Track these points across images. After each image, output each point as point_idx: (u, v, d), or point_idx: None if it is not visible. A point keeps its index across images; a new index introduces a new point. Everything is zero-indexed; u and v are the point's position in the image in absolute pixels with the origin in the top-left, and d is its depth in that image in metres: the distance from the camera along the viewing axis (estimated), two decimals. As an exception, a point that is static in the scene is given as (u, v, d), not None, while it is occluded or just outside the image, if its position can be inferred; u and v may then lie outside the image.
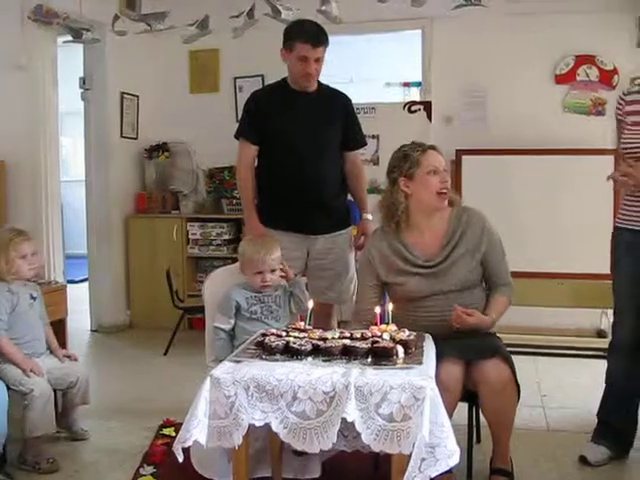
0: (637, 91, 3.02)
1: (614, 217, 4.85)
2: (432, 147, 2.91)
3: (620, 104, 3.04)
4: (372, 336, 2.33)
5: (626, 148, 2.94)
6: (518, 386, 2.66)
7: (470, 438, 2.78)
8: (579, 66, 5.25)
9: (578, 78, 5.26)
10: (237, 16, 3.97)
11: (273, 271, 2.91)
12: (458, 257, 2.84)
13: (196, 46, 5.05)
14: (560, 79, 5.27)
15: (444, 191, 2.85)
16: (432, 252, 2.87)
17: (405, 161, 2.88)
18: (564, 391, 3.96)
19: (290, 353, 2.31)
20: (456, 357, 2.57)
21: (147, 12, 4.06)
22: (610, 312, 4.78)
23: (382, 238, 2.94)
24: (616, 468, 3.00)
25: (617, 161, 3.11)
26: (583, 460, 3.02)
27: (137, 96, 5.80)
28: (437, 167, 2.85)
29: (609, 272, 4.89)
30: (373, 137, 5.20)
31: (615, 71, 5.15)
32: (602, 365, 3.17)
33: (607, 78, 5.20)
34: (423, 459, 2.04)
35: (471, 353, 2.62)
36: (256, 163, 3.49)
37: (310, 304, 2.56)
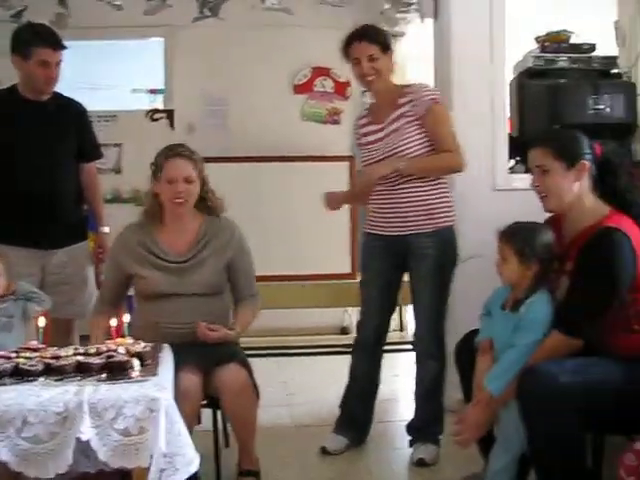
0: (365, 115, 3.29)
1: (351, 220, 5.24)
2: (178, 154, 2.88)
3: (356, 130, 3.30)
4: (107, 351, 2.29)
5: (365, 167, 3.20)
6: (257, 388, 2.76)
7: (216, 443, 2.84)
8: (316, 77, 5.56)
9: (315, 89, 5.57)
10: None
11: None
12: (204, 259, 2.89)
13: None
14: (298, 89, 5.54)
15: (178, 201, 2.87)
16: (180, 251, 2.90)
17: (156, 162, 2.91)
18: (310, 388, 4.16)
19: (20, 375, 2.20)
20: (193, 366, 2.61)
21: None
22: (351, 310, 5.13)
23: (133, 232, 2.96)
24: (353, 455, 3.22)
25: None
26: (324, 450, 3.20)
27: None
28: (173, 178, 2.85)
29: (349, 272, 5.23)
30: (115, 145, 5.12)
31: (348, 83, 5.51)
32: (346, 360, 3.37)
33: (341, 89, 5.55)
34: (163, 470, 2.05)
35: (208, 361, 2.67)
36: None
37: (41, 321, 2.45)
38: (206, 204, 2.97)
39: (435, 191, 3.09)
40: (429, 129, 3.05)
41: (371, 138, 3.17)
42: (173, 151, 2.89)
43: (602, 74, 3.97)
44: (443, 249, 3.09)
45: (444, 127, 3.07)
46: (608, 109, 3.84)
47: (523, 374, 2.32)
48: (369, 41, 3.05)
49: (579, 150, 2.50)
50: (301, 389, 4.14)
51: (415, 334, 3.21)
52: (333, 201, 3.31)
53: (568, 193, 2.48)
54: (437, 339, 3.16)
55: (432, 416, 3.19)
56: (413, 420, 3.25)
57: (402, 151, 3.05)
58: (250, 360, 2.88)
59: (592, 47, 4.00)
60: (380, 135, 3.12)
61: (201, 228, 2.94)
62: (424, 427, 3.19)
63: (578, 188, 2.48)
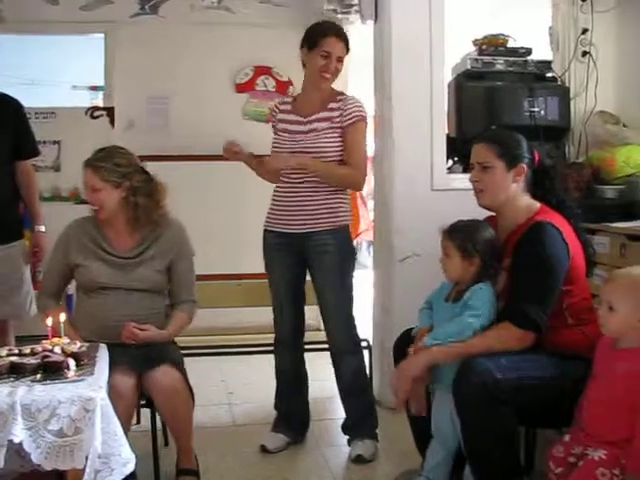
0: (289, 102, 3.32)
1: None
2: (87, 163, 2.88)
3: (274, 112, 3.32)
4: (43, 351, 2.27)
5: (277, 152, 3.21)
6: (191, 390, 2.76)
7: (155, 442, 2.82)
8: (258, 76, 5.53)
9: (257, 88, 5.54)
10: None
11: None
12: (148, 258, 2.91)
13: None
14: (240, 88, 5.51)
15: (93, 208, 2.91)
16: (126, 248, 2.92)
17: None
18: (249, 387, 4.14)
19: (-48, 377, 2.15)
20: (127, 367, 2.61)
21: None
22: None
23: (82, 224, 2.97)
24: (292, 452, 3.25)
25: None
26: (263, 449, 3.22)
27: None
28: (84, 186, 2.91)
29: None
30: (54, 143, 5.01)
31: (290, 82, 5.50)
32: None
33: (283, 88, 5.53)
34: (98, 471, 2.04)
35: (141, 362, 2.67)
36: None
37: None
38: (135, 214, 2.93)
39: (332, 192, 3.14)
40: (346, 141, 3.11)
41: (291, 127, 3.19)
42: (87, 159, 2.90)
43: (537, 77, 4.06)
44: (342, 247, 3.15)
45: (359, 144, 3.14)
46: (543, 111, 3.94)
47: (459, 370, 2.36)
48: (344, 43, 3.13)
49: (521, 153, 2.59)
50: (240, 388, 4.13)
51: (329, 334, 3.24)
52: (232, 152, 3.25)
53: (504, 192, 2.57)
54: (352, 335, 3.22)
55: (363, 411, 3.23)
56: (346, 419, 3.30)
57: (320, 151, 3.10)
58: (189, 359, 2.88)
59: (528, 51, 4.09)
60: (302, 128, 3.15)
61: (147, 228, 2.95)
62: (357, 423, 3.23)
63: (514, 188, 2.56)
